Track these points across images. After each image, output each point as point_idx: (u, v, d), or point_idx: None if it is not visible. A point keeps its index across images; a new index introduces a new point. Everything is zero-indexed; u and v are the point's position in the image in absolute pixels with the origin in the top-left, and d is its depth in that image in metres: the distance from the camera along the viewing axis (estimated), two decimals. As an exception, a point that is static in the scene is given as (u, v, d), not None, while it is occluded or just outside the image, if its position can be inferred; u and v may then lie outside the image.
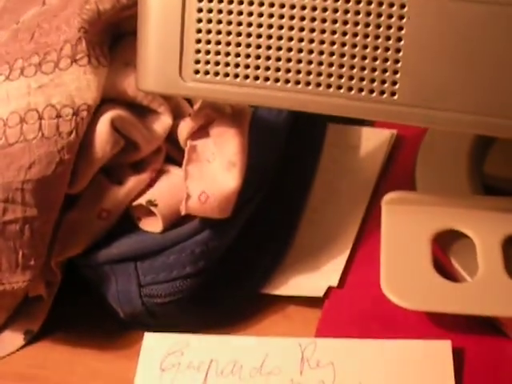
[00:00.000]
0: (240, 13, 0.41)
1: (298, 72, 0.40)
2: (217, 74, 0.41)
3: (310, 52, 0.40)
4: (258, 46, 0.40)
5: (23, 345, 0.49)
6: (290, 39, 0.40)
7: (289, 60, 0.40)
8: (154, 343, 0.46)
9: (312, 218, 0.53)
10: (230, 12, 0.41)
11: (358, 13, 0.39)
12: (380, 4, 0.39)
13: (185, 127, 0.46)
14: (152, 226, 0.46)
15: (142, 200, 0.46)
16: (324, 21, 0.39)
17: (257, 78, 0.41)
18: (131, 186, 0.46)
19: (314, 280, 0.49)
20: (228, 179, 0.44)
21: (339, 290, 0.49)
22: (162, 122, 0.46)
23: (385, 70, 0.39)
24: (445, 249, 0.48)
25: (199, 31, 0.41)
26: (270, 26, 0.40)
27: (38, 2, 0.49)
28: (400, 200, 0.49)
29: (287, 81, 0.41)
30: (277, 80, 0.41)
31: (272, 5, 0.40)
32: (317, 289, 0.48)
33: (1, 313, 0.48)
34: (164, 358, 0.45)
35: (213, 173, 0.44)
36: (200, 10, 0.41)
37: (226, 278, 0.48)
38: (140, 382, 0.45)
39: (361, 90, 0.40)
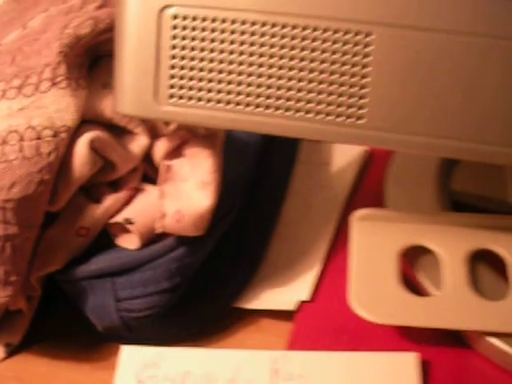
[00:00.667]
0: (213, 40, 0.42)
1: (268, 97, 0.42)
2: (190, 98, 0.43)
3: (279, 78, 0.42)
4: (230, 73, 0.42)
5: (3, 357, 0.50)
6: (260, 66, 0.42)
7: (259, 86, 0.42)
8: (130, 356, 0.48)
9: (284, 233, 0.55)
10: (203, 39, 0.42)
11: (325, 41, 0.41)
12: (346, 32, 0.40)
13: (160, 147, 0.47)
14: (129, 242, 0.47)
15: (119, 218, 0.47)
16: (293, 48, 0.41)
17: (228, 102, 0.43)
18: (109, 204, 0.47)
19: (285, 294, 0.51)
20: (202, 198, 0.45)
21: (310, 303, 0.51)
22: (139, 143, 0.48)
23: (352, 95, 0.41)
24: (412, 264, 0.50)
25: (173, 57, 0.43)
26: (241, 53, 0.42)
27: (18, 26, 0.51)
28: (369, 216, 0.51)
29: (258, 106, 0.42)
30: (248, 105, 0.43)
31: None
32: (288, 303, 0.50)
33: (-18, 326, 0.50)
34: (141, 371, 0.47)
35: (187, 192, 0.46)
36: (174, 37, 0.43)
37: (201, 293, 0.49)
38: (117, 394, 0.46)
39: (328, 114, 0.42)
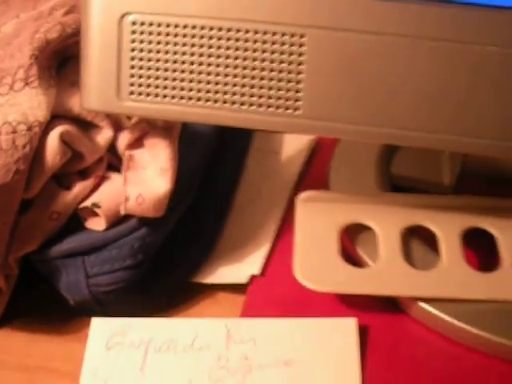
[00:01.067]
0: (167, 43, 0.48)
1: (216, 92, 0.48)
2: (148, 94, 0.49)
3: (225, 76, 0.47)
4: (183, 71, 0.48)
5: (-17, 333, 0.54)
6: (209, 65, 0.47)
7: (208, 83, 0.48)
8: (100, 327, 0.53)
9: (238, 215, 0.60)
10: (158, 42, 0.48)
11: (264, 42, 0.46)
12: (283, 34, 0.46)
13: (123, 139, 0.53)
14: (97, 224, 0.53)
15: (88, 202, 0.52)
16: (237, 49, 0.47)
17: (182, 98, 0.48)
18: (78, 190, 0.52)
19: (238, 269, 0.56)
20: (161, 183, 0.51)
21: (261, 277, 0.56)
22: (104, 135, 0.53)
23: (288, 90, 0.47)
24: (352, 240, 0.56)
25: (132, 59, 0.48)
26: (192, 54, 0.47)
27: (-9, 31, 0.56)
28: (312, 198, 0.57)
29: (207, 100, 0.48)
30: (199, 99, 0.48)
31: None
32: (241, 277, 0.56)
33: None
34: (109, 339, 0.52)
35: (148, 178, 0.51)
36: (133, 41, 0.48)
37: (162, 269, 0.55)
38: (89, 360, 0.51)
39: (269, 106, 0.47)
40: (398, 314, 0.53)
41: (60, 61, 0.54)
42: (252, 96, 0.47)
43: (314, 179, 0.63)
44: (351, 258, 0.55)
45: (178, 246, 0.56)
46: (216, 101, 0.48)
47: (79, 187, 0.53)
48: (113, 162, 0.55)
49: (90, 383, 0.50)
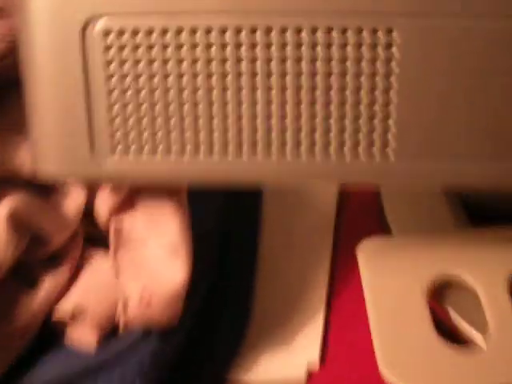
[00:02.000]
0: (166, 62, 0.30)
1: (254, 141, 0.30)
2: (142, 149, 0.31)
3: (267, 112, 0.30)
4: (197, 107, 0.30)
5: None
6: (240, 92, 0.30)
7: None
8: None
9: (269, 281, 0.43)
10: (150, 63, 0.30)
11: (328, 45, 0.29)
12: (358, 31, 0.29)
13: (104, 204, 0.35)
14: (83, 336, 0.35)
15: (65, 305, 0.35)
16: (282, 62, 0.29)
17: (198, 150, 0.31)
18: (47, 288, 0.35)
19: (288, 358, 0.39)
20: (173, 270, 0.34)
21: (321, 367, 0.40)
22: (74, 200, 0.36)
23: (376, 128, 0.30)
24: (441, 300, 0.39)
25: (110, 92, 0.31)
26: (209, 77, 0.30)
27: None
28: (378, 247, 0.40)
29: (240, 150, 0.31)
30: (226, 152, 0.31)
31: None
32: (294, 368, 0.39)
33: None
34: None
35: (151, 261, 0.34)
36: (108, 63, 0.31)
37: (186, 371, 0.38)
38: None
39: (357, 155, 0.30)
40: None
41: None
42: (313, 143, 0.30)
43: (356, 212, 0.46)
44: (442, 327, 0.39)
45: (201, 339, 0.39)
46: (254, 151, 0.30)
47: (49, 282, 0.35)
48: (93, 232, 0.37)
49: None
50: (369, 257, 0.40)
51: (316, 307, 0.41)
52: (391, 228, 0.43)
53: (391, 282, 0.39)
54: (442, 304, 0.40)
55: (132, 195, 0.35)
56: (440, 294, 0.40)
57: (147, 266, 0.34)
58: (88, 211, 0.37)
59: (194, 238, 0.35)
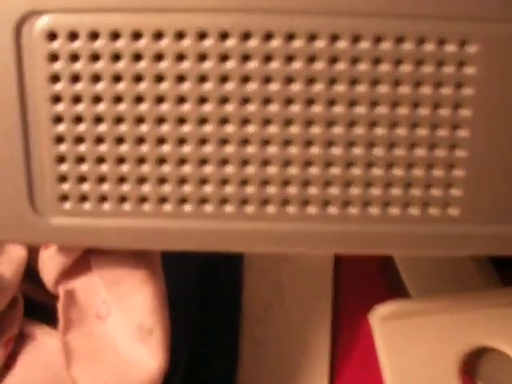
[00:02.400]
0: (137, 79, 0.21)
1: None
2: (102, 200, 0.22)
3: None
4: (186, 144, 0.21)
5: None
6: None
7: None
8: None
9: (257, 353, 0.34)
10: (116, 79, 0.21)
11: (369, 58, 0.20)
12: (420, 41, 0.20)
13: (52, 264, 0.26)
14: None
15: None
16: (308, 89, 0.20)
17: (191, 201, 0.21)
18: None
19: None
20: (144, 356, 0.25)
21: None
22: (11, 259, 0.27)
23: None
24: (474, 375, 0.32)
25: (58, 120, 0.21)
26: (202, 102, 0.21)
27: None
28: (397, 313, 0.32)
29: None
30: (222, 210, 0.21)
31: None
32: None
33: None
34: None
35: (114, 344, 0.25)
36: (53, 79, 0.21)
37: None
38: None
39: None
40: None
41: None
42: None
43: (357, 277, 0.38)
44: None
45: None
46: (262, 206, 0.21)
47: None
48: (37, 298, 0.28)
49: None
50: (384, 325, 0.31)
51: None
52: (407, 287, 0.34)
53: (415, 356, 0.31)
54: (476, 379, 0.32)
55: (88, 255, 0.26)
56: (473, 368, 0.32)
57: (109, 352, 0.25)
58: (30, 270, 0.27)
59: (170, 307, 0.27)
